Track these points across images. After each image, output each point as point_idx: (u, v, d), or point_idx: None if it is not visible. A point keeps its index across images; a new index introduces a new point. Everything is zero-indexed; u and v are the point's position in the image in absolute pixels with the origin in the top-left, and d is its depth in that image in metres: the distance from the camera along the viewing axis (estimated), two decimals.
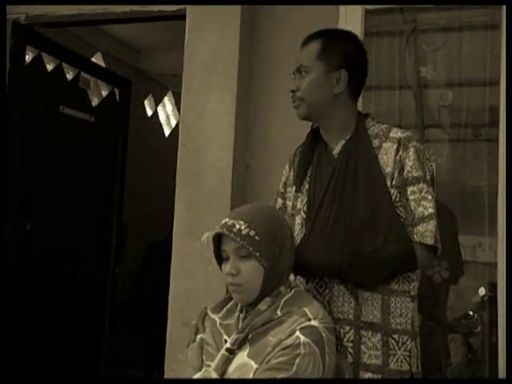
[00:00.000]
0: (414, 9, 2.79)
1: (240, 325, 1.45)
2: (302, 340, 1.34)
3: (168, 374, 2.44)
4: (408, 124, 2.99)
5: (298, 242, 1.60)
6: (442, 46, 2.99)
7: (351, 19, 2.51)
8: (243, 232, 1.39)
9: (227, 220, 1.43)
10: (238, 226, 1.40)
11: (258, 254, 1.39)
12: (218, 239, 1.46)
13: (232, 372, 1.39)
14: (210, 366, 1.44)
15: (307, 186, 1.65)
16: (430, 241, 1.50)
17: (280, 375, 1.31)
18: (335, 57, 1.61)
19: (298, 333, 1.35)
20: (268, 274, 1.41)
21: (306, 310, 1.40)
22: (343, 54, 1.62)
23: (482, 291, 2.84)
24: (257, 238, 1.39)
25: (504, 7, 2.33)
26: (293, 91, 1.64)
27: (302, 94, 1.62)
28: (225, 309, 1.53)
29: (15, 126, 3.05)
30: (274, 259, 1.41)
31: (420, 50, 3.00)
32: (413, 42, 2.97)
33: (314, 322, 1.37)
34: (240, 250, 1.41)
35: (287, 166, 1.78)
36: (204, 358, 1.49)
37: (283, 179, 1.78)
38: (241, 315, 1.47)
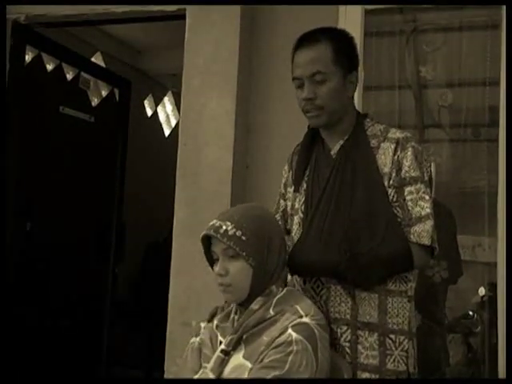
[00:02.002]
0: (414, 9, 2.79)
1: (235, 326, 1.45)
2: (294, 337, 1.34)
3: (167, 376, 2.44)
4: (408, 124, 2.98)
5: (296, 241, 1.60)
6: (441, 46, 2.99)
7: (351, 19, 2.51)
8: (230, 233, 1.41)
9: (215, 222, 1.45)
10: (224, 227, 1.42)
11: (244, 253, 1.40)
12: (208, 241, 1.47)
13: (228, 373, 1.40)
14: (206, 367, 1.44)
15: (305, 186, 1.65)
16: (426, 241, 1.50)
17: (273, 373, 1.31)
18: (347, 59, 1.57)
19: (290, 330, 1.36)
20: (256, 273, 1.42)
21: (297, 307, 1.41)
22: (352, 55, 1.60)
23: (481, 291, 2.84)
24: (243, 238, 1.41)
25: (504, 7, 2.33)
26: (309, 99, 1.55)
27: (322, 102, 1.54)
28: (223, 313, 1.54)
29: (15, 126, 3.05)
30: (261, 258, 1.42)
31: (420, 49, 3.00)
32: (413, 41, 2.96)
33: (305, 319, 1.38)
34: (228, 251, 1.42)
35: (286, 167, 1.78)
36: (202, 361, 1.49)
37: (283, 180, 1.78)
38: (235, 317, 1.48)
